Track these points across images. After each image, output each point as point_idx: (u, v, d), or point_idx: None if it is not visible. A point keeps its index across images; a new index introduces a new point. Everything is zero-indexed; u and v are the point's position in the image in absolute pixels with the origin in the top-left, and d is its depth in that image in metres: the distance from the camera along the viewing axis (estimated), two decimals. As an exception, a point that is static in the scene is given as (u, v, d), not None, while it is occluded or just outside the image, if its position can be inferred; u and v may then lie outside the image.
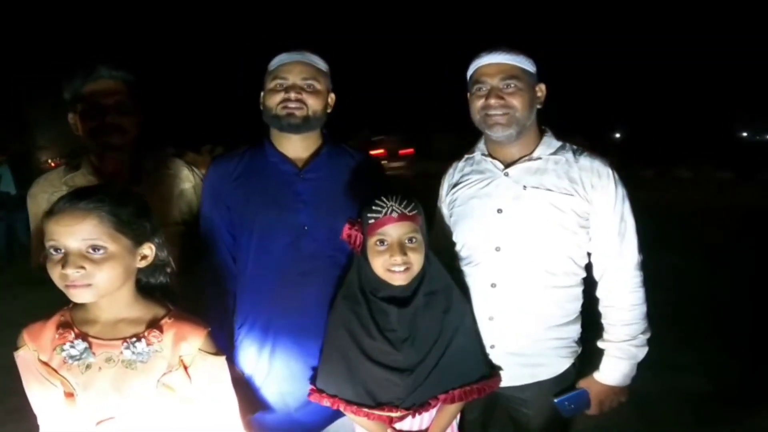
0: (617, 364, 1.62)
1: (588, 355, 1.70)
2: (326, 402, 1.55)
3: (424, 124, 25.52)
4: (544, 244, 1.60)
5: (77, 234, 1.13)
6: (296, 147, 1.74)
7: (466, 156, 1.81)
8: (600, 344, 1.66)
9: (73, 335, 1.19)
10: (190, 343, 1.23)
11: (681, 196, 12.25)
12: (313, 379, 1.62)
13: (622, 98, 26.27)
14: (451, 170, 1.84)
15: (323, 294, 1.64)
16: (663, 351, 2.05)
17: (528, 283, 1.62)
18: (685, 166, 17.73)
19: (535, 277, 1.62)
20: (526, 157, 1.66)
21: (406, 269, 1.48)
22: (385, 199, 1.47)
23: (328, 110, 1.78)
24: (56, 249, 1.14)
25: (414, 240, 1.48)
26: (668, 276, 4.49)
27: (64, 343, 1.17)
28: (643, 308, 1.63)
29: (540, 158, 1.65)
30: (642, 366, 1.64)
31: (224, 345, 1.57)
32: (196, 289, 1.65)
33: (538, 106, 1.69)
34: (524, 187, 1.63)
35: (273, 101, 1.69)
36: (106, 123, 1.69)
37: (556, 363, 1.67)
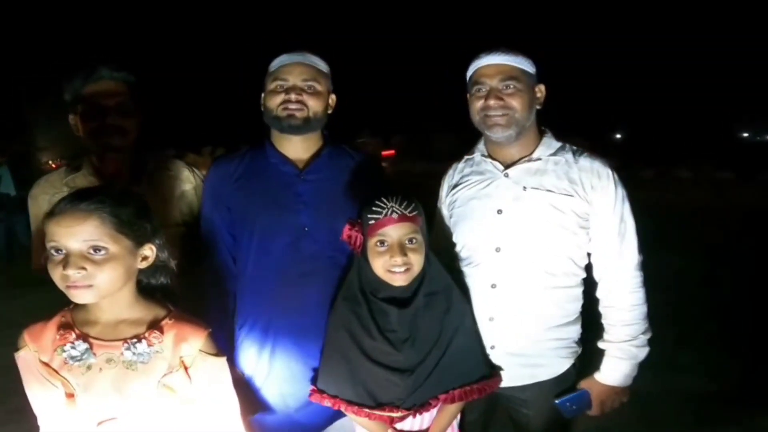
0: (618, 364, 1.62)
1: (588, 356, 1.70)
2: (327, 402, 1.55)
3: (424, 124, 25.56)
4: (544, 244, 1.60)
5: (78, 235, 1.14)
6: (297, 148, 1.74)
7: (465, 157, 1.81)
8: (600, 345, 1.66)
9: (73, 336, 1.19)
10: (191, 343, 1.23)
11: (681, 196, 12.25)
12: (313, 380, 1.62)
13: (622, 98, 26.24)
14: (450, 171, 1.85)
15: (323, 295, 1.64)
16: (663, 351, 2.05)
17: (528, 284, 1.62)
18: (685, 166, 17.72)
19: (535, 277, 1.62)
20: (526, 158, 1.67)
21: (407, 270, 1.48)
22: (385, 200, 1.48)
23: (329, 111, 1.78)
24: (57, 250, 1.14)
25: (414, 241, 1.48)
26: (668, 276, 4.49)
27: (65, 344, 1.18)
28: (644, 308, 1.63)
29: (540, 159, 1.66)
30: (642, 366, 1.64)
31: (225, 346, 1.57)
32: (196, 290, 1.65)
33: (538, 107, 1.70)
34: (524, 187, 1.63)
35: (273, 102, 1.69)
36: (106, 124, 1.69)
37: (557, 363, 1.67)
